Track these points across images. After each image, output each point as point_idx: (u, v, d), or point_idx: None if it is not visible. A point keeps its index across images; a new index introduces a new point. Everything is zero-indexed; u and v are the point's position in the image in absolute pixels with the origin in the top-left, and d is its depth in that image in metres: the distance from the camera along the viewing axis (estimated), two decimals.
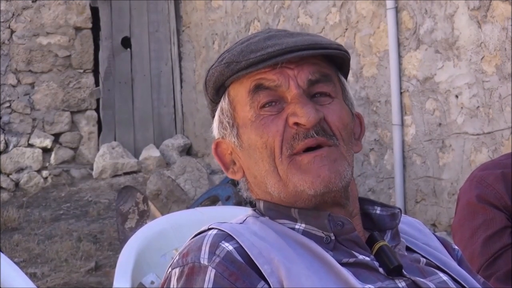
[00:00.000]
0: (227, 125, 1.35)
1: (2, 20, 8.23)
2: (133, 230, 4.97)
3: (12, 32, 8.30)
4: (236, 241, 1.24)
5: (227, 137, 1.36)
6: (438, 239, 1.47)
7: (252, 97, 1.31)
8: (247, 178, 1.37)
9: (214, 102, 1.38)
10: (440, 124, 5.18)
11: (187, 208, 6.09)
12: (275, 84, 1.30)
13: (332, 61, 1.35)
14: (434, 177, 5.27)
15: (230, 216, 1.50)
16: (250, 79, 1.31)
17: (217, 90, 1.36)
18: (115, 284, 2.46)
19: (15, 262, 2.50)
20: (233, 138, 1.35)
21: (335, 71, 1.36)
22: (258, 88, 1.30)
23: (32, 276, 5.43)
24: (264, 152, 1.30)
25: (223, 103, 1.36)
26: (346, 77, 1.40)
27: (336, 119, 1.31)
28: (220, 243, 1.23)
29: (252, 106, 1.31)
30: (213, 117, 1.40)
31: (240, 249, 1.23)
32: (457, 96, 5.01)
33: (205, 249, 1.23)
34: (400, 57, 5.47)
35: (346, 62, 1.38)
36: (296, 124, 1.28)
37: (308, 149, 1.28)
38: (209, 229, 1.29)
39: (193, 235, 1.31)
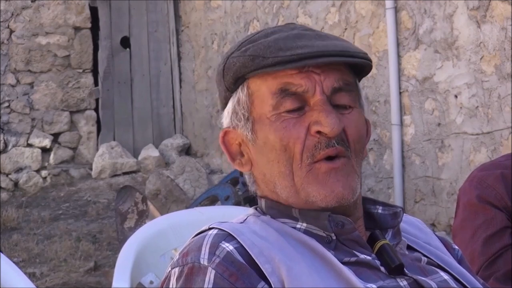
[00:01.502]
0: (242, 117, 1.33)
1: (1, 20, 8.22)
2: (132, 230, 4.97)
3: (11, 32, 8.30)
4: (237, 240, 1.24)
5: (239, 128, 1.34)
6: (439, 239, 1.47)
7: (277, 100, 1.28)
8: (255, 172, 1.35)
9: (230, 91, 1.35)
10: (439, 124, 5.18)
11: (186, 208, 6.09)
12: (302, 90, 1.27)
13: (352, 67, 1.33)
14: (433, 177, 5.27)
15: (229, 216, 1.50)
16: (276, 80, 1.29)
17: (235, 80, 1.33)
18: (114, 284, 2.46)
19: (14, 262, 2.50)
20: (246, 131, 1.32)
21: (354, 77, 1.34)
22: (284, 92, 1.28)
23: (31, 276, 5.43)
24: (282, 155, 1.28)
25: (241, 94, 1.33)
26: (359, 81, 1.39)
27: (354, 131, 1.30)
28: (220, 244, 1.23)
29: (275, 107, 1.28)
30: (225, 104, 1.37)
31: (240, 249, 1.23)
32: (456, 96, 5.01)
33: (205, 249, 1.22)
34: (399, 57, 5.47)
35: (367, 70, 1.36)
36: (319, 132, 1.26)
37: (327, 158, 1.27)
38: (210, 228, 1.29)
39: (193, 235, 1.30)
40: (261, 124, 1.30)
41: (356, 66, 1.33)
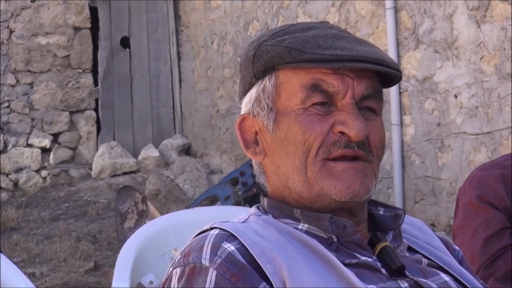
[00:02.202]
0: (265, 106, 1.31)
1: (1, 20, 8.22)
2: (132, 230, 4.96)
3: (11, 32, 8.30)
4: (238, 240, 1.24)
5: (260, 117, 1.33)
6: (440, 239, 1.47)
7: (306, 94, 1.27)
8: (266, 163, 1.35)
9: (257, 77, 1.33)
10: (439, 124, 5.18)
11: (186, 208, 6.09)
12: (334, 90, 1.27)
13: (380, 76, 1.32)
14: (433, 177, 5.27)
15: (229, 216, 1.49)
16: (309, 75, 1.28)
17: (266, 68, 1.31)
18: (114, 284, 2.46)
19: (14, 262, 2.50)
20: (268, 121, 1.31)
21: (381, 87, 1.34)
22: (316, 88, 1.27)
23: (31, 276, 5.43)
24: (301, 148, 1.27)
25: (268, 83, 1.31)
26: None
27: (377, 138, 1.30)
28: (222, 244, 1.22)
29: (303, 101, 1.27)
30: (248, 89, 1.35)
31: (242, 249, 1.22)
32: (456, 96, 5.01)
33: (207, 249, 1.22)
34: (399, 57, 5.47)
35: (394, 82, 1.35)
36: (342, 133, 1.26)
37: (343, 158, 1.27)
38: (211, 228, 1.28)
39: (195, 234, 1.30)
40: (285, 116, 1.29)
41: (385, 76, 1.33)
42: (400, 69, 1.33)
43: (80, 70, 8.60)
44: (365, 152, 1.28)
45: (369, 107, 1.30)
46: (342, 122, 1.26)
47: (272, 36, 1.31)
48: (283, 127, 1.29)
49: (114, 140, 8.71)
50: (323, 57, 1.25)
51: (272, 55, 1.29)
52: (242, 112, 1.37)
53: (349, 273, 1.22)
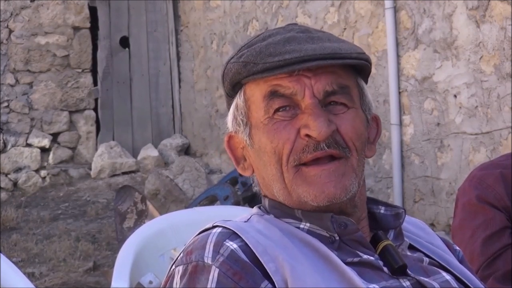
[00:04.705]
0: (241, 122, 1.35)
1: (0, 20, 8.22)
2: (131, 229, 4.96)
3: (11, 31, 8.30)
4: (241, 239, 1.24)
5: (239, 133, 1.36)
6: (441, 239, 1.47)
7: (267, 103, 1.30)
8: (256, 176, 1.37)
9: (230, 96, 1.38)
10: (438, 124, 5.18)
11: (186, 208, 6.09)
12: (290, 92, 1.28)
13: (351, 66, 1.33)
14: (432, 176, 5.27)
15: (229, 215, 1.49)
16: (267, 83, 1.30)
17: (233, 86, 1.35)
18: (113, 283, 2.46)
19: (13, 262, 2.50)
20: (245, 136, 1.34)
21: (354, 77, 1.34)
22: (273, 94, 1.29)
23: (30, 276, 5.42)
24: (273, 157, 1.29)
25: (239, 100, 1.35)
26: (366, 79, 1.38)
27: (349, 129, 1.29)
28: (224, 242, 1.23)
29: (266, 110, 1.30)
30: (228, 108, 1.39)
31: (244, 247, 1.23)
32: (455, 96, 5.01)
33: (209, 247, 1.23)
34: (398, 56, 5.47)
35: (367, 68, 1.36)
36: (308, 135, 1.27)
37: (316, 160, 1.27)
38: (214, 226, 1.29)
39: (197, 233, 1.31)
40: (256, 129, 1.32)
41: (356, 66, 1.33)
42: (363, 56, 1.32)
43: (80, 70, 8.59)
44: (338, 150, 1.28)
45: (337, 101, 1.30)
46: (305, 124, 1.27)
47: (237, 52, 1.34)
48: (256, 139, 1.32)
49: (113, 140, 8.70)
50: (272, 65, 1.27)
51: (234, 72, 1.32)
52: (229, 130, 1.40)
53: (351, 273, 1.22)
